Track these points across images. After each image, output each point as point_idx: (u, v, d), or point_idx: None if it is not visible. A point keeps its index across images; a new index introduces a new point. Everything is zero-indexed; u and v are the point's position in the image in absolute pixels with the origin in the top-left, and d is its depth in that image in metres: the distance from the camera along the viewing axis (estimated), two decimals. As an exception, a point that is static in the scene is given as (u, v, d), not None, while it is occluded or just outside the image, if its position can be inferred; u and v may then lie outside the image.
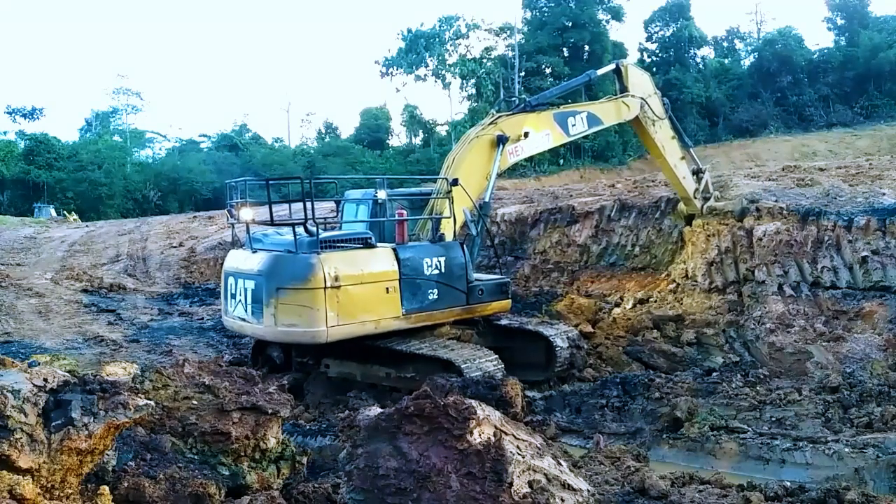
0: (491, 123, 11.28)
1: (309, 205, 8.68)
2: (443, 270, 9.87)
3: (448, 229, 10.29)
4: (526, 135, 11.36)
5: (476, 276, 10.71)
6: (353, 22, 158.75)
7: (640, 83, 13.42)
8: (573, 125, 12.10)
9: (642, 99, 13.14)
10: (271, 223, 9.38)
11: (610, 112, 12.83)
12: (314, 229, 9.06)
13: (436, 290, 9.78)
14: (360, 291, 9.00)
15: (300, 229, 8.95)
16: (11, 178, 48.96)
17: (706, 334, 12.04)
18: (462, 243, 10.37)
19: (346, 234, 9.86)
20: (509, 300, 11.10)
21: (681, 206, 14.63)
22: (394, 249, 9.54)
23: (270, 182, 9.35)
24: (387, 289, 9.27)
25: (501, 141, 10.92)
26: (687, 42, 62.82)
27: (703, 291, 13.12)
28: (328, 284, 8.67)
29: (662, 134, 13.50)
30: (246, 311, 9.47)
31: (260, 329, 9.38)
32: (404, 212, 10.28)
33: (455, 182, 10.26)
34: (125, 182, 52.42)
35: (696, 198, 14.03)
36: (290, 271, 8.93)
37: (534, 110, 11.68)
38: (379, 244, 9.67)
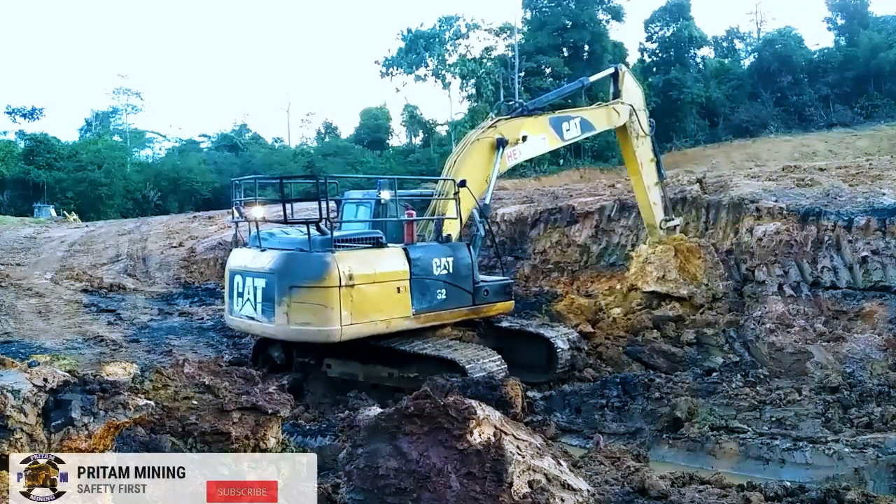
0: (490, 127, 11.36)
1: (323, 203, 8.65)
2: (451, 271, 9.88)
3: (453, 230, 10.31)
4: (524, 138, 11.46)
5: (480, 277, 10.76)
6: (353, 22, 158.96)
7: (634, 92, 13.56)
8: (567, 130, 12.25)
9: (632, 107, 13.25)
10: (284, 221, 9.28)
11: (601, 118, 12.96)
12: (326, 228, 9.05)
13: (444, 290, 9.79)
14: (372, 290, 8.96)
15: (312, 228, 8.92)
16: (11, 178, 48.95)
17: (706, 334, 12.02)
18: (468, 244, 10.42)
19: (358, 234, 9.84)
20: (512, 301, 11.17)
21: (642, 247, 13.91)
22: (404, 249, 9.54)
23: (284, 180, 9.37)
24: (398, 288, 9.23)
25: (501, 144, 10.99)
26: (687, 42, 62.76)
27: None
28: (343, 283, 8.61)
29: (643, 151, 13.54)
30: (255, 309, 9.34)
31: (270, 328, 9.27)
32: (413, 212, 10.32)
33: (462, 183, 10.28)
34: (125, 182, 52.40)
35: (661, 227, 13.73)
36: (304, 269, 8.83)
37: (531, 114, 11.80)
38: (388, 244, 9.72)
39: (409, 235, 9.91)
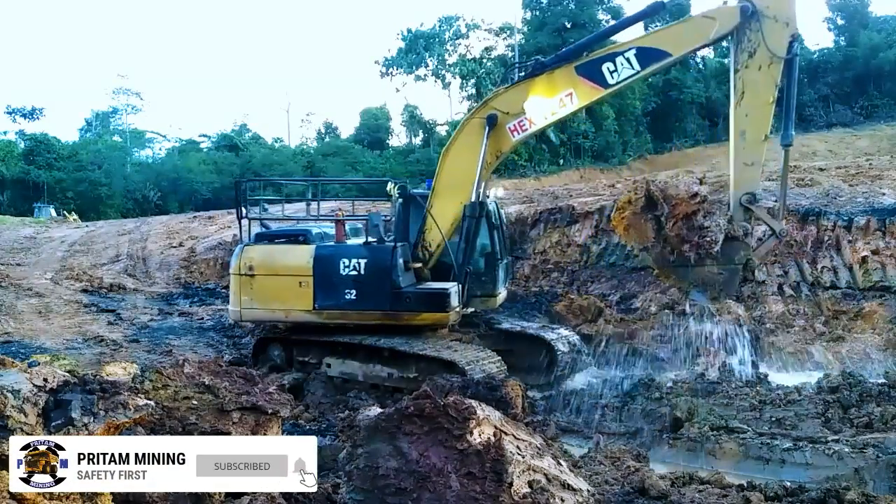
0: (484, 103, 9.98)
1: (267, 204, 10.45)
2: (361, 272, 9.82)
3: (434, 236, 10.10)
4: (533, 103, 9.45)
5: (407, 281, 9.87)
6: (353, 22, 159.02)
7: None
8: (613, 71, 9.07)
9: (753, 7, 8.55)
10: (238, 219, 10.88)
11: (680, 36, 9.19)
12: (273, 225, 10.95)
13: (353, 291, 9.82)
14: (272, 282, 10.06)
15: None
16: (11, 178, 48.87)
17: (706, 334, 12.00)
18: (395, 247, 9.74)
19: (286, 231, 11.04)
20: (446, 314, 9.66)
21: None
22: (315, 248, 10.08)
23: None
24: (300, 283, 9.92)
25: (490, 121, 9.53)
26: (686, 42, 62.66)
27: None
28: (242, 272, 10.12)
29: (763, 81, 8.66)
30: None
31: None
32: (341, 213, 11.30)
33: (403, 188, 10.57)
34: (125, 182, 52.33)
35: (742, 204, 9.05)
36: (231, 260, 10.75)
37: (544, 71, 9.41)
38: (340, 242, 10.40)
39: (338, 235, 10.45)
